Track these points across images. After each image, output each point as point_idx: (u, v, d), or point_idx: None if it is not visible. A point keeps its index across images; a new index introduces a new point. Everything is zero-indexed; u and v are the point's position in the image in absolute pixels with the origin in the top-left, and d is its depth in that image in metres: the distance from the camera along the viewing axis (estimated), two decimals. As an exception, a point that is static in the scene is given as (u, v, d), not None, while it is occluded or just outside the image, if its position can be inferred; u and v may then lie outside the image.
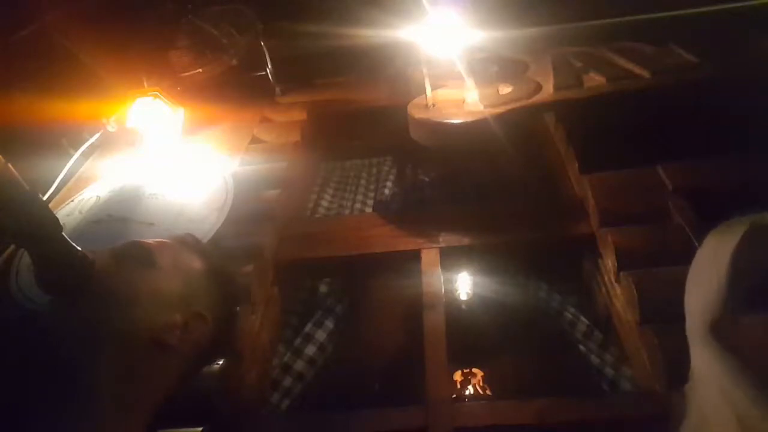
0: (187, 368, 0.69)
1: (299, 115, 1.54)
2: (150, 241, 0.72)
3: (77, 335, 0.62)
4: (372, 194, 1.51)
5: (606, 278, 1.03)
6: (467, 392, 1.11)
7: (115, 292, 0.64)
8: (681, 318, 0.65)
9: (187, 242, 0.77)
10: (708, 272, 0.60)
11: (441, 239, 1.13)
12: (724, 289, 0.56)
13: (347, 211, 1.46)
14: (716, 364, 0.56)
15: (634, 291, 0.88)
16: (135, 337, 0.63)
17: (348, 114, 1.60)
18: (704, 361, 0.59)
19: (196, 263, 0.74)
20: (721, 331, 0.56)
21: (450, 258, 1.11)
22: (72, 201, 1.26)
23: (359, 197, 1.50)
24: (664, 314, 0.83)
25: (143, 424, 0.62)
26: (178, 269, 0.71)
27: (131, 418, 0.62)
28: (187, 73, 1.57)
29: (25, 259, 1.06)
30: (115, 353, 0.62)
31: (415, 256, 1.10)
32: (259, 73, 1.62)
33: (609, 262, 0.99)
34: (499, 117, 1.16)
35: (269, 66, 1.61)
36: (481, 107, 1.18)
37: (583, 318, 1.11)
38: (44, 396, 0.59)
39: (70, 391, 0.59)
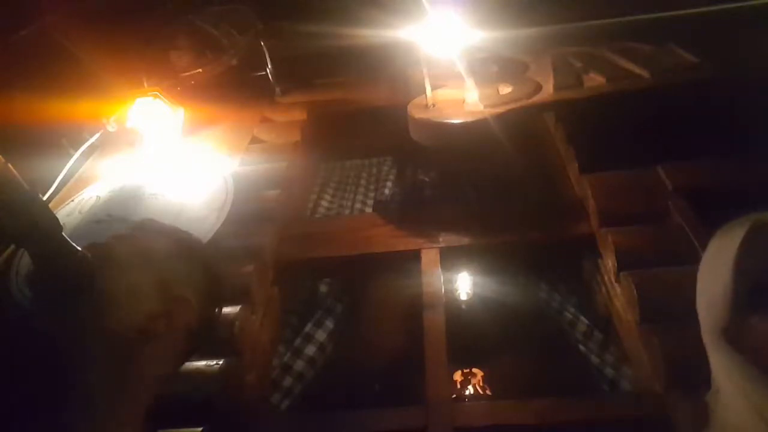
0: (180, 350, 0.69)
1: (299, 115, 1.54)
2: (105, 240, 0.71)
3: (67, 337, 0.62)
4: (372, 194, 1.51)
5: (606, 278, 1.03)
6: (467, 392, 1.11)
7: (88, 301, 0.64)
8: (681, 318, 0.65)
9: (145, 226, 0.75)
10: (713, 276, 0.60)
11: (441, 239, 1.13)
12: (730, 291, 0.56)
13: (347, 211, 1.46)
14: (733, 369, 0.56)
15: (634, 291, 0.88)
16: (123, 334, 0.63)
17: (348, 114, 1.60)
18: (721, 367, 0.58)
19: (159, 245, 0.72)
20: (732, 335, 0.56)
21: (450, 258, 1.11)
22: (72, 201, 1.26)
23: (359, 197, 1.50)
24: (664, 314, 0.83)
25: (141, 413, 0.62)
26: (142, 258, 0.69)
27: (128, 410, 0.62)
28: (187, 73, 1.57)
29: (25, 259, 1.06)
30: (106, 352, 0.62)
31: (415, 256, 1.10)
32: (259, 73, 1.62)
33: (609, 262, 0.99)
34: (499, 117, 1.16)
35: (269, 66, 1.61)
36: (481, 107, 1.19)
37: (583, 318, 1.11)
38: (39, 396, 0.59)
39: (65, 390, 0.59)
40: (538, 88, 1.23)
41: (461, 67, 1.22)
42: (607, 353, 1.05)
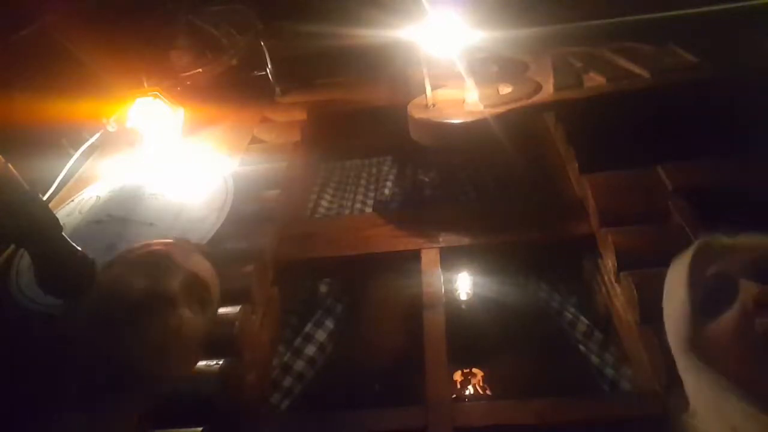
0: (179, 353, 0.72)
1: (299, 115, 1.54)
2: (207, 273, 0.74)
3: (69, 336, 0.62)
4: (372, 194, 1.51)
5: (606, 278, 1.03)
6: (467, 392, 1.11)
7: (174, 327, 0.66)
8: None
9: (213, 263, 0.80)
10: (672, 298, 0.64)
11: (441, 239, 1.13)
12: (687, 305, 0.60)
13: (347, 211, 1.46)
14: (701, 380, 0.58)
15: (634, 291, 0.88)
16: (165, 374, 0.65)
17: (348, 114, 1.60)
18: (693, 385, 0.61)
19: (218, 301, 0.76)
20: (695, 345, 0.59)
21: (450, 258, 1.11)
22: (72, 201, 1.26)
23: (359, 197, 1.50)
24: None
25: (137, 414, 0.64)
26: (215, 315, 0.74)
27: (127, 410, 0.62)
28: (187, 73, 1.57)
29: (25, 259, 1.06)
30: (107, 353, 0.62)
31: (415, 256, 1.10)
32: (259, 73, 1.62)
33: (609, 262, 0.99)
34: (499, 117, 1.16)
35: (269, 66, 1.61)
36: (481, 107, 1.18)
37: (583, 318, 1.11)
38: (39, 396, 0.59)
39: (64, 390, 0.59)
40: (538, 88, 1.23)
41: (461, 67, 1.22)
42: (607, 353, 1.04)
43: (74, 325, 0.63)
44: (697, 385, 0.60)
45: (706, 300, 0.58)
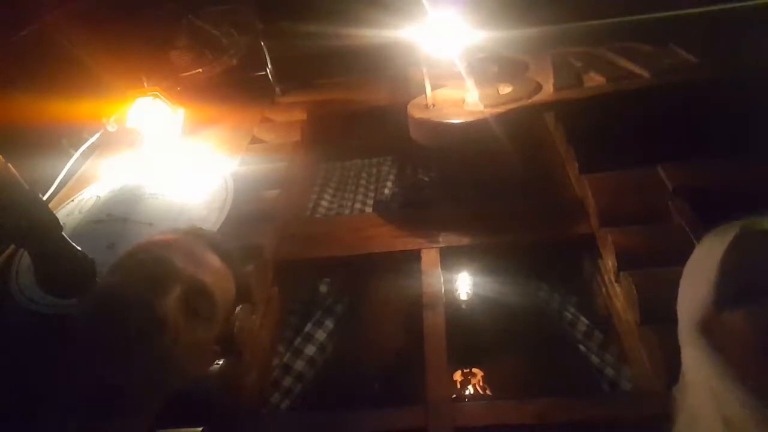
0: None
1: (299, 115, 1.54)
2: (214, 277, 0.72)
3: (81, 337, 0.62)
4: (372, 194, 1.51)
5: (606, 278, 1.03)
6: (467, 392, 1.11)
7: (165, 352, 0.65)
8: (681, 318, 0.65)
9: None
10: (699, 275, 0.61)
11: (441, 239, 1.13)
12: (714, 290, 0.57)
13: (347, 211, 1.45)
14: (705, 363, 0.57)
15: (634, 291, 0.88)
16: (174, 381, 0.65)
17: (348, 114, 1.60)
18: (693, 361, 0.60)
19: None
20: (710, 329, 0.57)
21: (450, 258, 1.11)
22: (72, 201, 1.26)
23: (359, 197, 1.50)
24: (664, 314, 0.83)
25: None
26: (224, 320, 0.73)
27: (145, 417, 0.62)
28: (187, 73, 1.57)
29: (25, 259, 1.06)
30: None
31: (415, 256, 1.10)
32: (259, 73, 1.62)
33: (609, 262, 0.99)
34: (499, 117, 1.16)
35: (269, 66, 1.61)
36: (481, 107, 1.19)
37: (583, 318, 1.11)
38: (40, 396, 0.59)
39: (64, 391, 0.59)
40: (538, 88, 1.23)
41: (461, 67, 1.22)
42: (607, 353, 1.04)
43: (70, 345, 0.62)
44: (696, 365, 0.59)
45: (735, 290, 0.56)
